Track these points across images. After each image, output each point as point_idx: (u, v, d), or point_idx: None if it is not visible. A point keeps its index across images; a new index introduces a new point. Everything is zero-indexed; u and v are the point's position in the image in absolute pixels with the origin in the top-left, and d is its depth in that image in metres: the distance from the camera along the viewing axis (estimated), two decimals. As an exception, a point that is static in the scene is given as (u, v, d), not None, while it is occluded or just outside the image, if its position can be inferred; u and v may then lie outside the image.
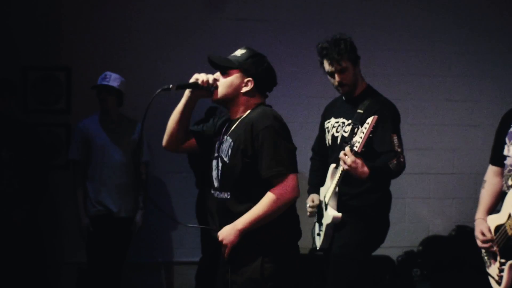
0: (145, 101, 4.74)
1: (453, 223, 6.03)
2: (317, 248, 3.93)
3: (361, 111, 3.67)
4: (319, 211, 3.85)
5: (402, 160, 3.59)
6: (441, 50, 6.06)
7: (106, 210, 4.76)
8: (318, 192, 3.90)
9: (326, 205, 3.75)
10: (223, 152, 2.89)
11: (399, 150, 3.61)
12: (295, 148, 2.88)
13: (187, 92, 2.88)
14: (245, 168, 2.80)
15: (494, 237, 3.55)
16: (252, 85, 2.87)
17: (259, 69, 2.90)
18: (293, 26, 5.77)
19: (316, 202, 3.88)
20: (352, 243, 3.71)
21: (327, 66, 3.70)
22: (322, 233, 3.81)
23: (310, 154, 4.21)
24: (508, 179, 3.52)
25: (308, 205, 3.89)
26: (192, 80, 2.87)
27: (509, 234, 3.36)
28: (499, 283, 3.48)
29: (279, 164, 2.75)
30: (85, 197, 4.87)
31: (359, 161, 3.43)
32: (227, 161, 2.85)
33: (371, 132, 3.41)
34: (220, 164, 2.91)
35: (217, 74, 2.89)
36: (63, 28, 5.46)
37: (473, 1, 6.12)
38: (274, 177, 2.72)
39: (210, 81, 2.85)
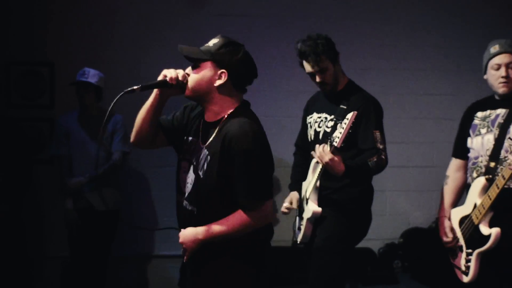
0: (125, 95, 4.66)
1: (433, 215, 5.63)
2: (298, 242, 3.90)
3: (344, 107, 3.64)
4: (300, 205, 3.82)
5: (383, 157, 3.58)
6: (421, 46, 6.11)
7: (88, 204, 4.75)
8: (299, 188, 3.87)
9: (307, 200, 3.73)
10: (199, 164, 2.64)
11: (381, 147, 3.60)
12: (273, 170, 2.69)
13: (155, 91, 2.64)
14: (218, 189, 2.57)
15: (458, 233, 3.67)
16: (226, 77, 2.57)
17: (233, 59, 2.59)
18: (275, 20, 5.75)
19: (294, 205, 3.85)
20: (334, 237, 3.68)
21: (307, 67, 3.66)
22: (302, 227, 3.78)
23: (291, 147, 4.21)
24: (473, 171, 3.64)
25: (284, 205, 3.85)
26: (160, 77, 2.63)
27: (476, 223, 3.47)
28: (466, 274, 3.58)
29: (255, 193, 2.54)
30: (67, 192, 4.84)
31: (336, 158, 3.41)
32: (202, 176, 2.61)
33: (351, 127, 3.36)
34: (193, 175, 2.67)
35: (189, 69, 2.66)
36: (46, 24, 5.44)
37: None
38: (248, 206, 2.53)
39: (180, 78, 2.59)
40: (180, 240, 2.60)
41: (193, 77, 2.56)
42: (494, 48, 3.71)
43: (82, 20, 5.48)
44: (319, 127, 3.85)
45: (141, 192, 5.66)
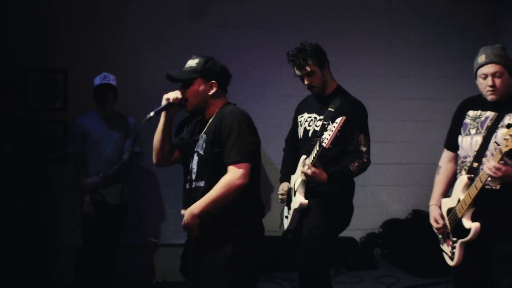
0: (132, 98, 5.55)
1: (410, 207, 6.17)
2: (284, 229, 4.03)
3: (332, 109, 3.75)
4: (288, 196, 3.95)
5: (365, 160, 3.71)
6: (400, 54, 6.25)
7: (100, 198, 4.86)
8: (289, 180, 3.98)
9: (295, 192, 3.83)
10: (199, 147, 2.96)
11: (364, 149, 3.73)
12: (258, 141, 2.97)
13: (163, 114, 2.93)
14: (216, 157, 2.88)
15: (447, 221, 3.69)
16: (216, 86, 2.95)
17: (217, 71, 2.97)
18: (269, 32, 5.88)
19: (285, 189, 3.98)
20: (320, 226, 3.79)
21: (296, 71, 3.78)
22: (289, 216, 3.90)
23: (281, 146, 4.30)
24: (461, 169, 3.69)
25: (279, 193, 3.98)
26: (163, 102, 2.92)
27: (459, 216, 3.54)
28: (451, 259, 3.67)
29: (236, 154, 2.82)
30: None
31: (317, 171, 3.57)
32: (202, 153, 2.92)
33: (339, 131, 3.46)
34: (196, 158, 2.97)
35: (178, 91, 2.96)
36: (60, 34, 5.55)
37: (428, 7, 6.29)
38: (230, 164, 2.80)
39: (179, 96, 2.91)
40: (182, 223, 2.85)
41: (191, 93, 2.90)
42: (481, 59, 3.70)
43: (92, 32, 5.59)
44: (309, 125, 3.96)
45: (148, 187, 5.77)
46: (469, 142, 3.68)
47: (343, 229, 3.99)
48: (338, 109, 3.71)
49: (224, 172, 2.85)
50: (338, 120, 3.47)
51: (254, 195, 3.06)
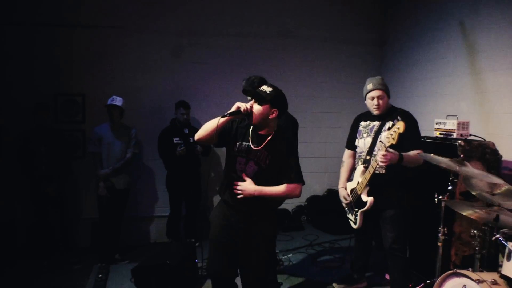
0: (131, 116, 5.50)
1: (326, 187, 6.78)
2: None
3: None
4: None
5: None
6: (316, 81, 6.79)
7: (111, 184, 5.36)
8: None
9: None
10: (259, 158, 3.02)
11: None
12: None
13: (228, 116, 2.98)
14: (277, 174, 3.01)
15: (350, 198, 4.14)
16: (276, 113, 3.05)
17: (281, 102, 3.07)
18: (227, 67, 6.29)
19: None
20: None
21: (249, 99, 3.46)
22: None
23: None
24: (358, 161, 4.13)
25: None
26: (234, 108, 2.98)
27: (359, 193, 4.02)
28: (355, 223, 4.17)
29: (300, 176, 3.04)
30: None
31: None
32: (264, 167, 3.02)
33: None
34: (255, 167, 3.03)
35: (251, 103, 3.03)
36: (79, 67, 5.89)
37: (330, 39, 6.77)
38: (293, 180, 2.99)
39: (249, 109, 2.98)
40: (241, 187, 3.00)
41: (258, 110, 3.00)
42: (369, 86, 4.02)
43: (103, 66, 5.94)
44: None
45: (144, 177, 6.18)
46: (363, 143, 4.08)
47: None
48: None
49: (273, 184, 3.02)
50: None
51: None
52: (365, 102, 4.14)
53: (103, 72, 6.03)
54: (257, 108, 2.99)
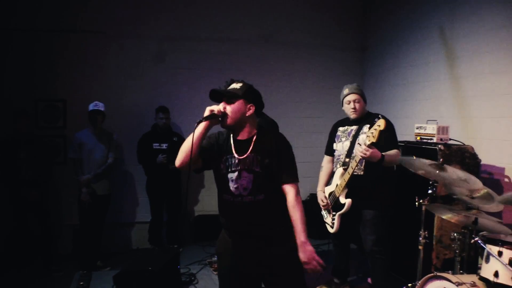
0: (113, 121, 5.55)
1: (308, 192, 6.73)
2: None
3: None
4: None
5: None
6: (298, 86, 6.88)
7: (93, 190, 5.38)
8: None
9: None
10: (251, 165, 2.71)
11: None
12: None
13: (204, 124, 2.67)
14: (274, 174, 2.71)
15: (329, 201, 4.16)
16: (253, 109, 2.78)
17: (256, 96, 2.81)
18: (209, 72, 6.28)
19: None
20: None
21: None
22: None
23: None
24: (337, 164, 4.22)
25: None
26: (207, 112, 2.69)
27: (337, 195, 4.08)
28: (332, 227, 4.22)
29: (296, 174, 2.78)
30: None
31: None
32: (260, 171, 2.71)
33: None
34: (250, 176, 2.71)
35: (222, 105, 2.73)
36: (59, 72, 5.90)
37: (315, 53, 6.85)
38: (290, 183, 2.71)
39: (222, 110, 2.71)
40: (304, 259, 2.58)
41: (233, 109, 2.71)
42: (346, 91, 4.18)
43: (83, 71, 5.96)
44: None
45: (125, 182, 6.21)
46: (341, 146, 4.21)
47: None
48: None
49: (276, 184, 2.73)
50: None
51: None
52: (343, 108, 4.25)
53: (84, 77, 6.07)
54: (231, 107, 2.72)
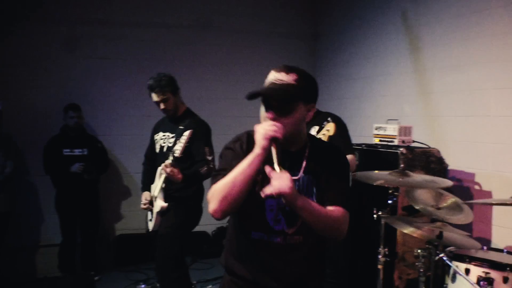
0: (12, 121, 5.66)
1: None
2: (150, 230, 4.42)
3: (182, 127, 4.11)
4: (151, 202, 4.36)
5: (211, 166, 4.10)
6: (240, 79, 6.72)
7: None
8: (149, 189, 4.42)
9: (155, 197, 4.28)
10: (307, 190, 2.21)
11: (209, 158, 4.16)
12: None
13: (258, 160, 2.03)
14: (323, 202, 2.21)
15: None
16: (314, 110, 2.25)
17: (315, 91, 2.26)
18: (133, 63, 6.37)
19: (148, 199, 4.37)
20: (174, 225, 4.23)
21: (154, 97, 4.21)
22: (153, 219, 4.33)
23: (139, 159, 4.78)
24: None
25: (142, 202, 4.42)
26: (263, 141, 2.01)
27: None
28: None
29: (348, 199, 2.23)
30: None
31: (175, 170, 3.97)
32: (316, 200, 2.19)
33: (188, 142, 3.89)
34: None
35: (268, 115, 2.10)
36: None
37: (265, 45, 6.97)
38: (339, 205, 2.18)
39: (280, 129, 2.04)
40: (274, 189, 1.97)
41: (287, 124, 2.10)
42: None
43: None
44: (163, 142, 4.36)
45: (28, 197, 6.02)
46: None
47: (193, 227, 4.45)
48: (187, 127, 4.06)
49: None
50: (186, 133, 3.93)
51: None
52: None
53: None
54: (289, 120, 2.10)
